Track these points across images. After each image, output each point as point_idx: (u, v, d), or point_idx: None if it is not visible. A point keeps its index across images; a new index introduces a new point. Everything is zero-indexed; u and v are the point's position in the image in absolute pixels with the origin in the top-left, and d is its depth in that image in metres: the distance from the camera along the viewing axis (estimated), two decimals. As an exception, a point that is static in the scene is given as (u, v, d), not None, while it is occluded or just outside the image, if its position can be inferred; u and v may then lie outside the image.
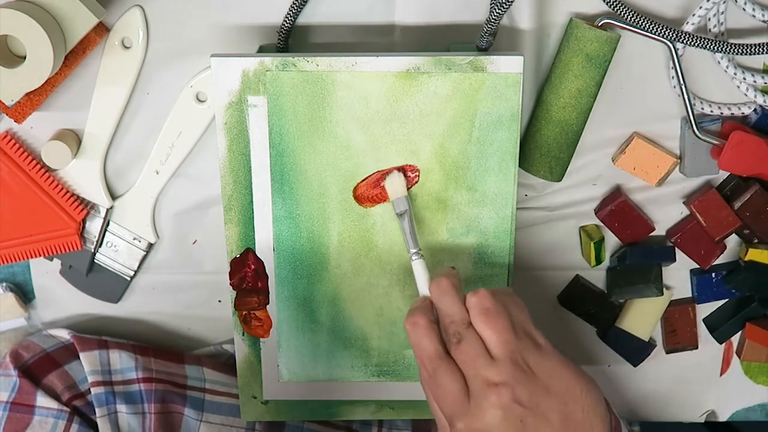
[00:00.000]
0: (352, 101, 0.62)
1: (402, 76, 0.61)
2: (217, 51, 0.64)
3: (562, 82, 0.65)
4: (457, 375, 0.56)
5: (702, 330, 0.78)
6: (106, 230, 0.73)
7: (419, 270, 0.62)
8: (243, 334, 0.70)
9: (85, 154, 0.70)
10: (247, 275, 0.67)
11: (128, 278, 0.75)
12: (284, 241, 0.66)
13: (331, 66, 0.61)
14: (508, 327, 0.56)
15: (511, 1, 0.60)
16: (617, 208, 0.71)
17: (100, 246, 0.73)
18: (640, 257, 0.72)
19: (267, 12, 0.66)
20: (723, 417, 0.82)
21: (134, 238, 0.73)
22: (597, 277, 0.76)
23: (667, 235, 0.74)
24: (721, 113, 0.68)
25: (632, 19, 0.63)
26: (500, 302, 0.57)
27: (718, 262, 0.74)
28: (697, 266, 0.74)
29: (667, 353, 0.78)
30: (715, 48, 0.63)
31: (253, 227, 0.66)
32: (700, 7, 0.65)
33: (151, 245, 0.74)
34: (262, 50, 0.66)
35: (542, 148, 0.67)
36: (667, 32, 0.63)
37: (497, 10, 0.60)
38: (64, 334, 0.73)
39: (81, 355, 0.70)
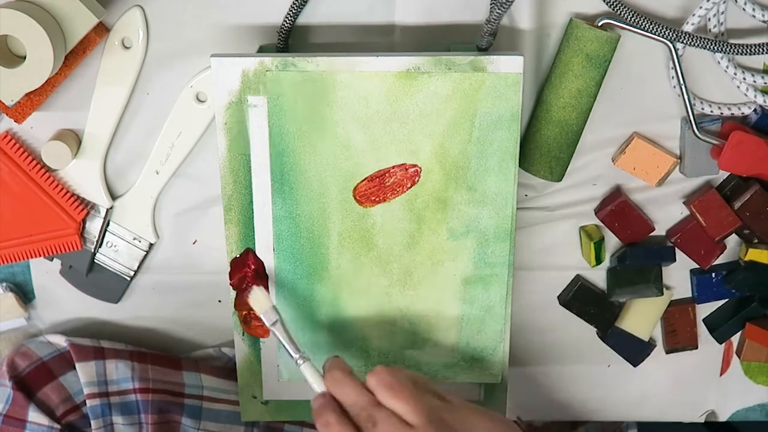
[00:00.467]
0: (352, 101, 0.62)
1: (402, 76, 0.61)
2: (217, 51, 0.64)
3: (562, 82, 0.65)
4: None
5: (702, 330, 0.78)
6: (106, 230, 0.73)
7: (309, 371, 0.61)
8: (243, 334, 0.70)
9: (85, 154, 0.70)
10: (247, 275, 0.67)
11: (128, 278, 0.74)
12: (284, 241, 0.66)
13: (331, 66, 0.61)
14: (416, 394, 0.57)
15: (511, 1, 0.60)
16: (617, 208, 0.71)
17: (100, 246, 0.73)
18: (640, 257, 0.72)
19: (267, 12, 0.66)
20: (723, 417, 0.82)
21: (134, 238, 0.73)
22: (597, 277, 0.76)
23: (667, 235, 0.74)
24: (721, 113, 0.68)
25: (632, 19, 0.63)
26: (399, 374, 0.58)
27: (718, 262, 0.74)
28: (697, 266, 0.74)
29: (667, 353, 0.78)
30: (715, 48, 0.63)
31: (253, 227, 0.66)
32: (700, 7, 0.65)
33: (151, 245, 0.74)
34: (262, 50, 0.66)
35: (542, 148, 0.67)
36: (667, 32, 0.63)
37: (497, 10, 0.60)
38: (61, 341, 0.72)
39: (77, 365, 0.70)
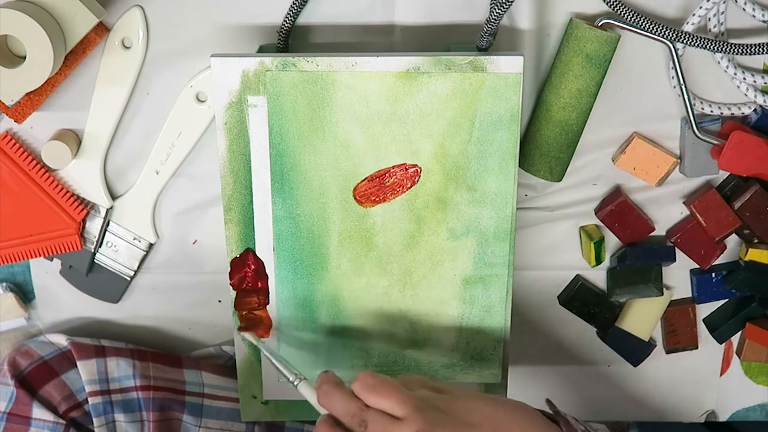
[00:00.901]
0: (352, 101, 0.62)
1: (402, 76, 0.61)
2: (217, 51, 0.64)
3: (562, 82, 0.65)
4: None
5: (702, 330, 0.78)
6: (106, 230, 0.73)
7: (307, 391, 0.61)
8: (244, 338, 0.69)
9: (85, 154, 0.70)
10: (247, 275, 0.67)
11: (128, 278, 0.75)
12: (284, 241, 0.66)
13: (331, 66, 0.61)
14: (400, 388, 0.57)
15: (511, 1, 0.60)
16: (617, 208, 0.71)
17: (100, 246, 0.73)
18: (640, 257, 0.72)
19: (267, 12, 0.66)
20: (723, 417, 0.82)
21: (134, 238, 0.73)
22: (597, 277, 0.76)
23: (667, 235, 0.74)
24: (721, 113, 0.68)
25: (632, 19, 0.63)
26: (381, 376, 0.58)
27: (718, 262, 0.74)
28: (697, 266, 0.74)
29: (667, 353, 0.78)
30: (715, 48, 0.63)
31: (253, 227, 0.66)
32: (700, 7, 0.65)
33: (151, 245, 0.74)
34: (262, 50, 0.66)
35: (542, 148, 0.67)
36: (667, 32, 0.63)
37: (497, 10, 0.60)
38: (62, 341, 0.72)
39: (78, 363, 0.70)
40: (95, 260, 0.74)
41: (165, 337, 0.78)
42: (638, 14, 0.62)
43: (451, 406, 0.57)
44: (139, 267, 0.74)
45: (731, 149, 0.67)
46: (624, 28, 0.64)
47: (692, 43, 0.63)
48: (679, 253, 0.73)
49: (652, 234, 0.73)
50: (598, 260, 0.73)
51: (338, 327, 0.69)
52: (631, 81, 0.68)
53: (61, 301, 0.76)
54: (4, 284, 0.75)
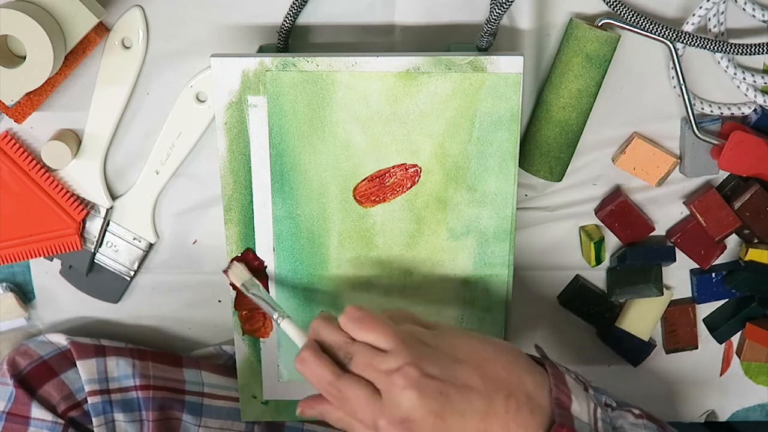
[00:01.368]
0: (352, 101, 0.62)
1: (402, 76, 0.61)
2: (217, 51, 0.64)
3: (562, 82, 0.65)
4: (361, 382, 0.55)
5: (702, 330, 0.78)
6: (106, 230, 0.73)
7: (290, 328, 0.61)
8: (243, 335, 0.70)
9: (85, 154, 0.70)
10: (247, 275, 0.67)
11: (128, 278, 0.75)
12: (284, 241, 0.66)
13: (331, 66, 0.61)
14: (386, 322, 0.56)
15: (511, 1, 0.60)
16: (617, 208, 0.71)
17: (100, 246, 0.73)
18: (640, 257, 0.72)
19: (267, 12, 0.66)
20: (723, 417, 0.82)
21: (134, 238, 0.73)
22: (597, 277, 0.76)
23: (667, 235, 0.74)
24: (721, 113, 0.68)
25: (632, 19, 0.63)
26: (368, 309, 0.57)
27: (718, 262, 0.74)
28: (697, 266, 0.74)
29: (667, 353, 0.78)
30: (715, 48, 0.63)
31: (253, 227, 0.66)
32: (700, 7, 0.65)
33: (151, 245, 0.74)
34: (262, 50, 0.66)
35: (542, 148, 0.67)
36: (667, 32, 0.63)
37: (497, 10, 0.60)
38: (62, 340, 0.72)
39: (78, 363, 0.70)
40: (95, 260, 0.74)
41: (165, 337, 0.78)
42: (638, 14, 0.62)
43: (437, 341, 0.57)
44: (139, 267, 0.74)
45: (731, 149, 0.67)
46: (624, 28, 0.64)
47: (692, 43, 0.63)
48: (679, 253, 0.73)
49: (652, 234, 0.73)
50: (598, 260, 0.73)
51: (338, 327, 0.69)
52: (631, 81, 0.68)
53: (61, 301, 0.76)
54: (4, 284, 0.75)
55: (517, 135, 0.63)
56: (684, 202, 0.72)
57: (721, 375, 0.80)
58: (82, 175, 0.70)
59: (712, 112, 0.68)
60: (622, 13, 0.63)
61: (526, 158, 0.68)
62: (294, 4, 0.65)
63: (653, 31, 0.63)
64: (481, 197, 0.65)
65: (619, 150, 0.71)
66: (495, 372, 0.56)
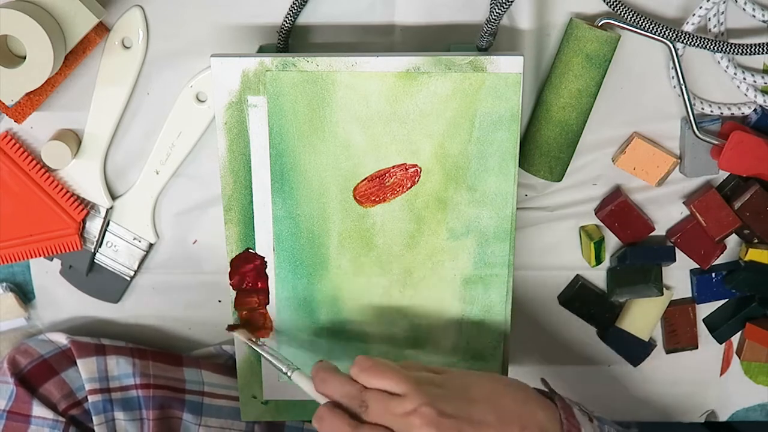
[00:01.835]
0: (352, 101, 0.62)
1: (402, 76, 0.61)
2: (217, 51, 0.64)
3: (562, 82, 0.65)
4: (379, 430, 0.55)
5: (702, 330, 0.78)
6: (106, 230, 0.73)
7: (301, 380, 0.61)
8: (243, 335, 0.70)
9: (85, 154, 0.70)
10: (247, 275, 0.67)
11: (128, 278, 0.75)
12: (284, 241, 0.66)
13: (331, 66, 0.61)
14: (397, 368, 0.57)
15: (511, 1, 0.60)
16: (617, 208, 0.71)
17: (100, 246, 0.73)
18: (640, 257, 0.72)
19: (267, 12, 0.66)
20: (723, 417, 0.82)
21: (134, 238, 0.73)
22: (597, 277, 0.76)
23: (667, 235, 0.74)
24: (721, 113, 0.68)
25: (632, 19, 0.63)
26: (378, 358, 0.58)
27: (718, 262, 0.74)
28: (697, 266, 0.74)
29: (667, 353, 0.78)
30: (715, 48, 0.63)
31: (253, 227, 0.66)
32: (700, 7, 0.65)
33: (151, 245, 0.74)
34: (262, 50, 0.66)
35: (542, 148, 0.67)
36: (667, 32, 0.63)
37: (497, 10, 0.60)
38: (62, 339, 0.72)
39: (78, 361, 0.70)
40: (95, 260, 0.74)
41: (165, 337, 0.78)
42: (638, 14, 0.62)
43: (449, 383, 0.57)
44: (139, 267, 0.74)
45: (731, 149, 0.67)
46: (624, 28, 0.64)
47: (692, 43, 0.63)
48: (679, 253, 0.73)
49: (652, 234, 0.73)
50: (598, 260, 0.73)
51: (338, 327, 0.69)
52: (631, 81, 0.68)
53: (61, 301, 0.76)
54: (4, 284, 0.75)
55: (517, 135, 0.63)
56: (684, 202, 0.72)
57: (721, 375, 0.80)
58: (82, 175, 0.70)
59: (712, 112, 0.68)
60: (622, 13, 0.63)
61: (526, 158, 0.68)
62: (294, 4, 0.65)
63: (653, 31, 0.63)
64: (481, 197, 0.65)
65: (619, 150, 0.71)
66: (508, 407, 0.57)
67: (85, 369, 0.70)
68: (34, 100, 0.67)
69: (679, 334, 0.77)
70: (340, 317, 0.69)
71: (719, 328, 0.77)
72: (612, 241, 0.74)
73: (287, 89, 0.62)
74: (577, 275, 0.76)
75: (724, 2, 0.65)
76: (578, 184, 0.72)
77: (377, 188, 0.65)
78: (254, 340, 0.67)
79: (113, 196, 0.72)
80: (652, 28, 0.63)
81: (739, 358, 0.78)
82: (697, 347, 0.78)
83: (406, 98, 0.62)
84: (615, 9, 0.63)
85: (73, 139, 0.69)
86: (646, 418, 0.82)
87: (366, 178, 0.64)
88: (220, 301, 0.76)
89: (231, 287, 0.68)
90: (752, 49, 0.62)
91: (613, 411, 0.81)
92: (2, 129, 0.70)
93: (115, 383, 0.71)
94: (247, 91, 0.62)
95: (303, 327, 0.69)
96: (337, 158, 0.64)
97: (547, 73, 0.68)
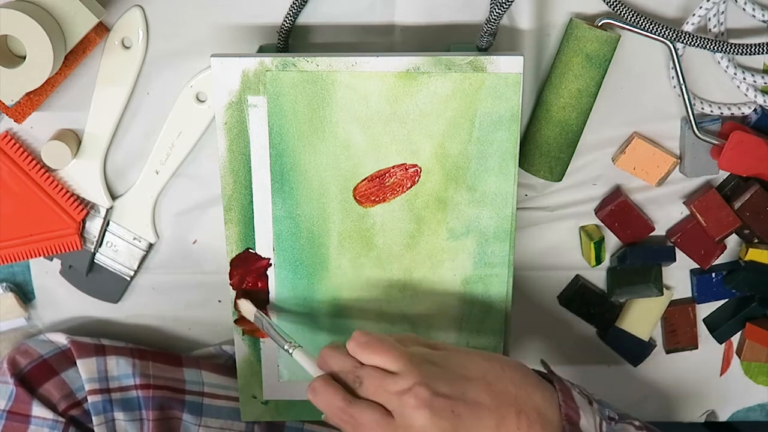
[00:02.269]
0: (352, 101, 0.62)
1: (402, 76, 0.61)
2: (217, 51, 0.64)
3: (562, 82, 0.65)
4: (372, 405, 0.55)
5: (702, 330, 0.78)
6: (106, 230, 0.73)
7: (302, 357, 0.61)
8: (243, 335, 0.69)
9: (85, 154, 0.70)
10: (247, 275, 0.67)
11: (128, 278, 0.75)
12: (284, 241, 0.66)
13: (331, 66, 0.61)
14: (394, 344, 0.57)
15: (511, 1, 0.60)
16: (617, 208, 0.71)
17: (100, 246, 0.73)
18: (640, 257, 0.72)
19: (267, 12, 0.66)
20: (723, 417, 0.82)
21: (134, 238, 0.73)
22: (597, 277, 0.76)
23: (667, 235, 0.74)
24: (721, 113, 0.68)
25: (632, 19, 0.63)
26: (375, 333, 0.57)
27: (718, 262, 0.74)
28: (697, 266, 0.74)
29: (667, 353, 0.78)
30: (715, 48, 0.63)
31: (253, 227, 0.66)
32: (700, 7, 0.65)
33: (151, 245, 0.74)
34: (262, 50, 0.66)
35: (542, 148, 0.67)
36: (667, 32, 0.63)
37: (497, 10, 0.60)
38: (62, 339, 0.72)
39: (78, 362, 0.70)
40: (95, 260, 0.74)
41: (165, 337, 0.78)
42: (638, 14, 0.62)
43: (445, 361, 0.57)
44: (139, 267, 0.74)
45: (731, 149, 0.67)
46: (624, 28, 0.64)
47: (692, 43, 0.63)
48: (679, 253, 0.73)
49: (652, 234, 0.73)
50: (598, 260, 0.73)
51: (338, 327, 0.69)
52: (631, 81, 0.68)
53: (61, 301, 0.76)
54: (4, 284, 0.75)
55: (517, 135, 0.63)
56: (684, 202, 0.72)
57: (721, 375, 0.80)
58: (82, 175, 0.70)
59: (712, 112, 0.68)
60: (622, 13, 0.63)
61: (526, 158, 0.68)
62: (294, 4, 0.65)
63: (653, 31, 0.63)
64: (481, 197, 0.65)
65: (619, 150, 0.71)
66: (504, 389, 0.56)
67: (85, 369, 0.70)
68: (34, 100, 0.67)
69: (679, 334, 0.77)
70: (340, 317, 0.68)
71: (719, 328, 0.77)
72: (612, 241, 0.74)
73: (287, 89, 0.62)
74: (577, 275, 0.76)
75: (724, 2, 0.65)
76: (578, 184, 0.72)
77: (377, 188, 0.65)
78: (257, 313, 0.66)
79: (113, 196, 0.72)
80: (652, 28, 0.63)
81: (739, 358, 0.78)
82: (697, 347, 0.78)
83: (406, 98, 0.62)
84: (615, 9, 0.63)
85: (73, 139, 0.69)
86: (646, 418, 0.81)
87: (366, 178, 0.64)
88: (220, 301, 0.76)
89: (231, 287, 0.68)
90: (752, 49, 0.62)
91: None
92: (2, 129, 0.70)
93: (114, 383, 0.71)
94: (247, 91, 0.62)
95: (303, 327, 0.69)
96: (337, 158, 0.64)
97: (547, 73, 0.68)
